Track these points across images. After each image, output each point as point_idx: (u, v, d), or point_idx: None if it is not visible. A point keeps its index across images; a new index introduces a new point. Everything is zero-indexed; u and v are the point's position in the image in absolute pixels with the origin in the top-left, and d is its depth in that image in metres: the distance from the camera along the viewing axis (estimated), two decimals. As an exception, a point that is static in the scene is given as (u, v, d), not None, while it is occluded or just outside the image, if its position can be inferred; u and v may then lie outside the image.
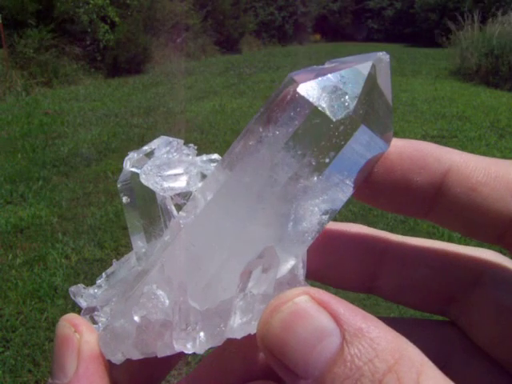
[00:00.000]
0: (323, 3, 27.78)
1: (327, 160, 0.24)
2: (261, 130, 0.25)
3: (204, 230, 0.26)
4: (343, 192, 0.26)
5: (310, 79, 0.24)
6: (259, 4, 20.33)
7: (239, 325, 0.25)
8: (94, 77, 9.73)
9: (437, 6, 21.86)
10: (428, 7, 22.68)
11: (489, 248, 0.30)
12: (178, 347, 0.25)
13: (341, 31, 29.11)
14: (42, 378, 1.87)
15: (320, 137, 0.24)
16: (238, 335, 0.25)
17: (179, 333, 0.25)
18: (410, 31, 25.30)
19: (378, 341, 0.19)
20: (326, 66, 0.26)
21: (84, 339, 0.25)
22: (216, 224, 0.26)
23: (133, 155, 0.30)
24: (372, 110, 0.25)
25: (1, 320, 2.19)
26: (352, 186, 0.26)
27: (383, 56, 0.26)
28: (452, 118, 6.25)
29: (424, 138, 5.31)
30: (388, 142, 0.26)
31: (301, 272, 0.28)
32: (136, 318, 0.26)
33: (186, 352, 0.26)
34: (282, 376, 0.21)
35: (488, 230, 0.24)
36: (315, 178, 0.25)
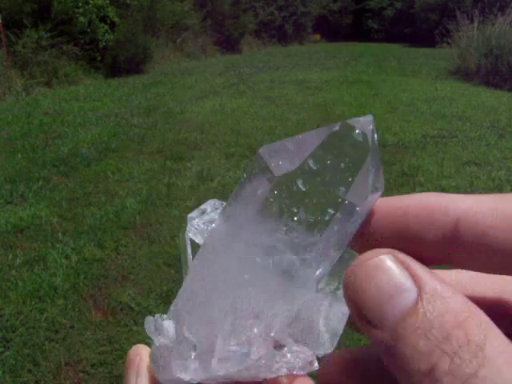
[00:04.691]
0: (323, 3, 27.78)
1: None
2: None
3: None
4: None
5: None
6: (259, 4, 20.32)
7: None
8: (94, 77, 9.73)
9: (437, 6, 21.87)
10: (428, 7, 22.69)
11: None
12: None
13: (341, 31, 29.12)
14: (41, 378, 1.87)
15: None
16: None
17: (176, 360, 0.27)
18: (409, 31, 25.31)
19: (449, 300, 0.21)
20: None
21: (143, 362, 0.30)
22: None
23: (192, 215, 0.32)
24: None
25: (1, 320, 2.19)
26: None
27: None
28: (452, 118, 6.25)
29: (424, 137, 5.31)
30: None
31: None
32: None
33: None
34: (360, 326, 0.23)
35: (506, 268, 0.25)
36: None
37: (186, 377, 0.26)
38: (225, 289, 0.26)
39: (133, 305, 2.30)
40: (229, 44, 16.56)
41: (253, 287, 0.25)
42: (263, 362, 0.26)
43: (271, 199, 0.24)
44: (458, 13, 10.90)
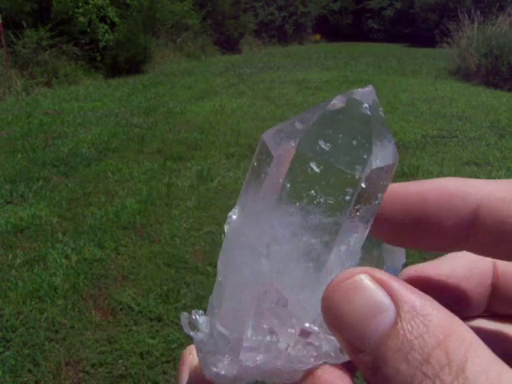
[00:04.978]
0: (323, 3, 27.77)
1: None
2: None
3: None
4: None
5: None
6: (259, 4, 20.32)
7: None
8: (94, 77, 9.73)
9: (437, 5, 21.88)
10: (428, 7, 22.70)
11: None
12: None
13: (341, 31, 29.12)
14: (41, 378, 1.87)
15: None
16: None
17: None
18: (409, 31, 25.31)
19: (429, 318, 0.20)
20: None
21: (195, 359, 0.31)
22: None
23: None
24: None
25: (1, 320, 2.19)
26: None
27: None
28: (452, 118, 6.25)
29: (424, 137, 5.31)
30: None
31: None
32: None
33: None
34: (344, 349, 0.22)
35: None
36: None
37: (220, 371, 0.26)
38: (247, 280, 0.25)
39: (133, 305, 2.30)
40: (229, 44, 16.57)
41: (275, 276, 0.24)
42: (291, 350, 0.25)
43: (287, 184, 0.23)
44: (459, 12, 10.90)
